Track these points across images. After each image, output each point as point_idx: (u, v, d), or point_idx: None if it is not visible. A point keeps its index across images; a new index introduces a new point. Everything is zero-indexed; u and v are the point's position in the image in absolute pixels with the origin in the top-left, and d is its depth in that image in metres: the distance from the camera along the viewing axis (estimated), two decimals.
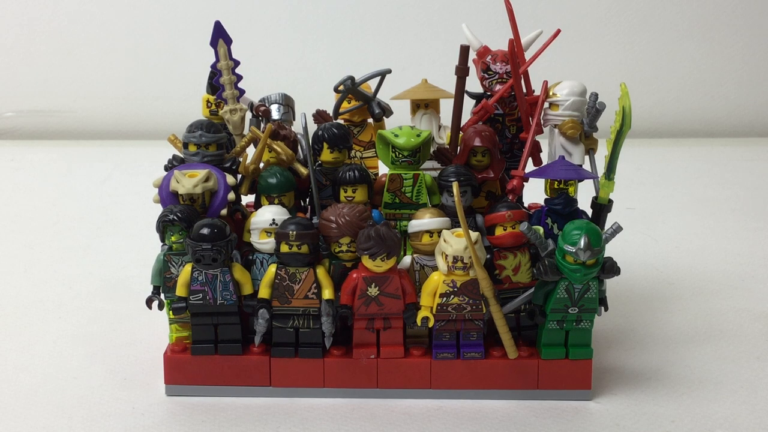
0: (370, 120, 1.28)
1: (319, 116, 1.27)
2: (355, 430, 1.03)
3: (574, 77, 1.21)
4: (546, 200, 1.14)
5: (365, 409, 1.07)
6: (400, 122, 1.19)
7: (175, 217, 1.05)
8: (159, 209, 1.09)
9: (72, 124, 2.77)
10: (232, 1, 2.72)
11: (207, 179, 1.09)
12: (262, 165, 1.17)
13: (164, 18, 2.76)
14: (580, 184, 1.17)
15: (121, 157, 2.48)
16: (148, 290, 1.10)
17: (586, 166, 1.17)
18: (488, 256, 1.08)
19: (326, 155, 1.17)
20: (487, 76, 1.23)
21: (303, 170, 1.17)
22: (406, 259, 1.10)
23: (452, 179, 1.09)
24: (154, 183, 1.12)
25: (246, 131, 1.21)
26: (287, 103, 1.30)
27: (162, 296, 1.10)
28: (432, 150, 1.18)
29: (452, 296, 1.05)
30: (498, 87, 1.21)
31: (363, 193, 1.12)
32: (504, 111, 1.24)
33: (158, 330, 1.24)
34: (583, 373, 1.08)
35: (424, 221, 1.08)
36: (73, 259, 1.62)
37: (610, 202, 1.12)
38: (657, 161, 2.42)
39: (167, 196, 1.10)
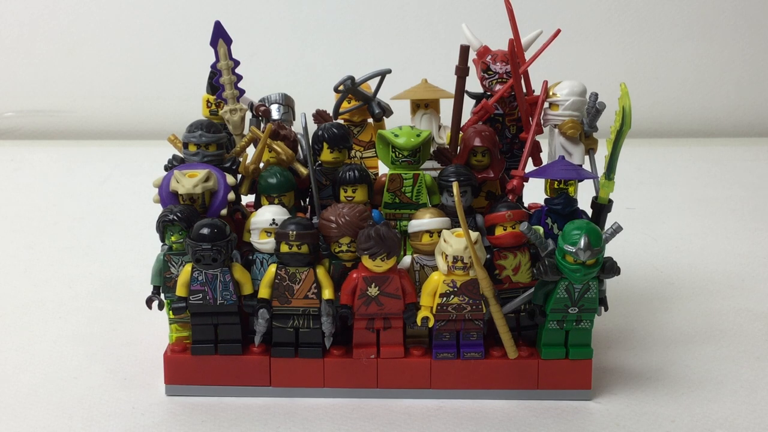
0: (370, 120, 1.28)
1: (319, 116, 1.27)
2: (355, 430, 1.03)
3: (574, 77, 1.21)
4: (546, 200, 1.14)
5: (365, 409, 1.07)
6: (400, 122, 1.19)
7: (175, 217, 1.05)
8: (159, 209, 1.09)
9: (72, 124, 2.77)
10: (232, 1, 2.72)
11: (207, 179, 1.09)
12: (262, 165, 1.17)
13: (164, 18, 2.76)
14: (580, 184, 1.17)
15: (121, 157, 2.48)
16: (148, 290, 1.10)
17: (586, 166, 1.17)
18: (488, 256, 1.08)
19: (326, 155, 1.17)
20: (487, 76, 1.23)
21: (303, 170, 1.17)
22: (406, 259, 1.10)
23: (452, 179, 1.09)
24: (154, 183, 1.12)
25: (246, 131, 1.21)
26: (287, 103, 1.30)
27: (162, 296, 1.10)
28: (432, 150, 1.18)
29: (452, 296, 1.05)
30: (498, 87, 1.21)
31: (363, 193, 1.12)
32: (504, 111, 1.24)
33: (158, 330, 1.24)
34: (583, 373, 1.08)
35: (424, 221, 1.08)
36: (73, 259, 1.62)
37: (610, 202, 1.12)
38: (657, 161, 2.42)
39: (167, 196, 1.10)
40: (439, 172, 1.14)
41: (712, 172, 2.31)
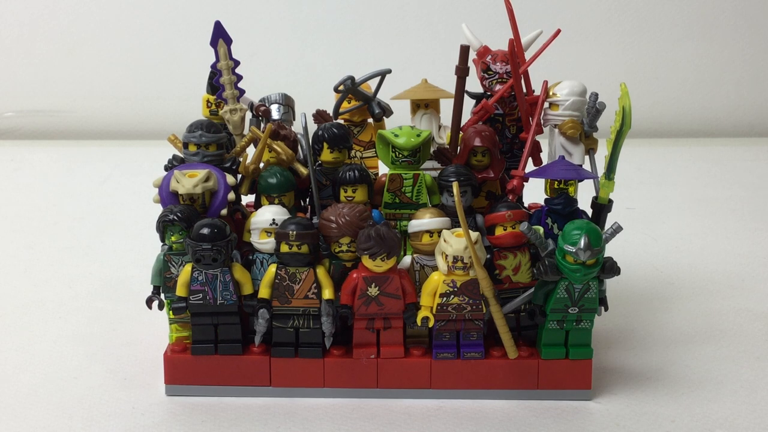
0: (370, 120, 1.28)
1: (319, 116, 1.27)
2: (355, 430, 1.03)
3: (574, 77, 1.21)
4: (546, 200, 1.14)
5: (365, 409, 1.07)
6: (400, 122, 1.19)
7: (175, 217, 1.05)
8: (159, 209, 1.09)
9: (72, 124, 2.77)
10: (232, 1, 2.72)
11: (207, 179, 1.09)
12: (262, 165, 1.17)
13: (164, 18, 2.76)
14: (580, 184, 1.17)
15: (121, 157, 2.48)
16: (148, 290, 1.10)
17: (586, 166, 1.17)
18: (488, 256, 1.08)
19: (326, 155, 1.17)
20: (487, 76, 1.23)
21: (303, 170, 1.17)
22: (406, 259, 1.10)
23: (452, 179, 1.09)
24: (154, 183, 1.12)
25: (246, 131, 1.21)
26: (287, 103, 1.30)
27: (162, 296, 1.10)
28: (432, 150, 1.18)
29: (452, 296, 1.05)
30: (498, 87, 1.21)
31: (363, 193, 1.12)
32: (504, 111, 1.24)
33: (158, 330, 1.24)
34: (583, 373, 1.08)
35: (424, 221, 1.08)
36: (73, 259, 1.62)
37: (610, 202, 1.12)
38: (657, 161, 2.42)
39: (167, 196, 1.10)
40: (439, 172, 1.14)
41: (712, 172, 2.31)
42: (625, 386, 1.12)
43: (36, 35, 2.79)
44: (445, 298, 1.05)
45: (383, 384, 1.09)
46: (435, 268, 1.07)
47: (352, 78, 1.20)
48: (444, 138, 1.24)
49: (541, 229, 1.08)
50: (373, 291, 1.05)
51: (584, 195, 1.17)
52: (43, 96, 2.78)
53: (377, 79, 1.23)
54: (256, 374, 1.09)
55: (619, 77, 1.49)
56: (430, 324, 1.07)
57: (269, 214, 1.08)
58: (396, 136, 1.11)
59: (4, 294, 1.45)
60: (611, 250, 1.05)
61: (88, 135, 2.74)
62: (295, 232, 1.04)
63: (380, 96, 1.25)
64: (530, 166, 1.19)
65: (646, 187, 2.14)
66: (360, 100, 1.24)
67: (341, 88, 1.21)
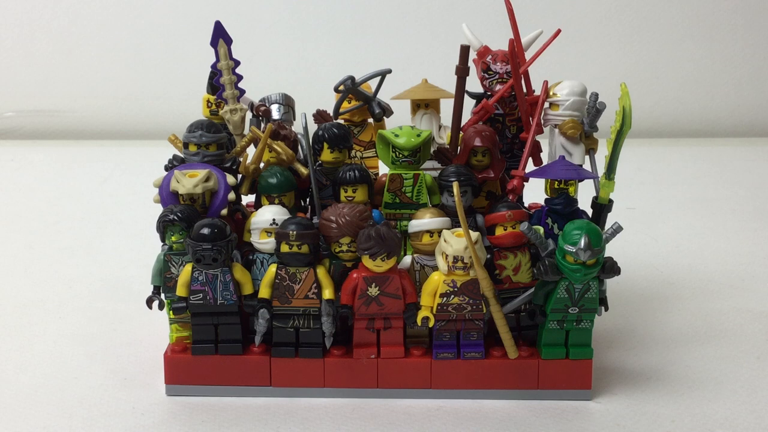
0: (371, 120, 1.28)
1: (319, 116, 1.27)
2: (355, 430, 1.03)
3: (574, 77, 1.21)
4: (546, 200, 1.14)
5: (365, 409, 1.07)
6: (400, 122, 1.19)
7: (176, 217, 1.05)
8: (159, 209, 1.09)
9: (72, 124, 2.77)
10: (232, 1, 2.72)
11: (207, 179, 1.09)
12: (262, 165, 1.17)
13: (164, 18, 2.77)
14: (580, 184, 1.17)
15: (121, 157, 2.48)
16: (148, 290, 1.10)
17: (586, 166, 1.17)
18: (488, 256, 1.08)
19: (326, 155, 1.17)
20: (487, 76, 1.23)
21: (303, 170, 1.17)
22: (406, 259, 1.10)
23: (452, 179, 1.09)
24: (154, 183, 1.12)
25: (246, 131, 1.21)
26: (287, 103, 1.30)
27: (162, 296, 1.10)
28: (432, 150, 1.18)
29: (452, 296, 1.05)
30: (498, 87, 1.21)
31: (363, 193, 1.12)
32: (504, 111, 1.24)
33: (158, 330, 1.24)
34: (583, 373, 1.08)
35: (424, 221, 1.08)
36: (73, 259, 1.62)
37: (610, 202, 1.12)
38: (657, 161, 2.42)
39: (167, 196, 1.10)
40: (439, 172, 1.14)
41: (712, 172, 2.31)
42: (625, 386, 1.12)
43: (36, 35, 2.79)
44: (445, 298, 1.05)
45: (383, 384, 1.09)
46: (435, 268, 1.07)
47: (352, 78, 1.20)
48: (444, 138, 1.24)
49: (541, 229, 1.09)
50: (374, 291, 1.05)
51: (584, 195, 1.17)
52: (43, 96, 2.78)
53: (377, 79, 1.23)
54: (256, 374, 1.09)
55: (619, 77, 1.49)
56: (430, 324, 1.07)
57: (269, 214, 1.08)
58: (396, 136, 1.11)
59: (4, 294, 1.45)
60: (611, 250, 1.05)
61: (88, 135, 2.75)
62: (295, 232, 1.04)
63: (380, 96, 1.25)
64: (530, 166, 1.19)
65: (646, 187, 2.14)
66: (360, 100, 1.24)
67: (341, 88, 1.21)
